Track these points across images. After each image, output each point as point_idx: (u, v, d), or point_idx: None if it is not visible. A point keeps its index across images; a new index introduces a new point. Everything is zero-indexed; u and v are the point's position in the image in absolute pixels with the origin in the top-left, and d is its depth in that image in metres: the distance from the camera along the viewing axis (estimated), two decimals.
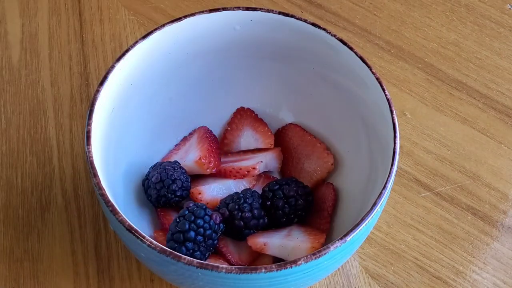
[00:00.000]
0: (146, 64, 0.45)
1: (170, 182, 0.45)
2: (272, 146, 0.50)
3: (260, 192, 0.46)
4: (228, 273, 0.35)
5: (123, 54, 0.43)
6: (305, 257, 0.36)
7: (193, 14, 0.45)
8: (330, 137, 0.50)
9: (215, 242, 0.43)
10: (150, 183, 0.46)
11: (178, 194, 0.45)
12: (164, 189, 0.45)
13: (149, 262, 0.39)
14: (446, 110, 0.57)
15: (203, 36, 0.46)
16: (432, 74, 0.59)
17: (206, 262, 0.36)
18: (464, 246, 0.50)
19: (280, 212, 0.45)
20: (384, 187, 0.39)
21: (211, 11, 0.45)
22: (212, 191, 0.46)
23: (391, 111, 0.41)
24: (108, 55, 0.59)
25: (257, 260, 0.45)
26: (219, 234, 0.43)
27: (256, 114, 0.51)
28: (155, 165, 0.47)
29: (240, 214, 0.43)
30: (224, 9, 0.45)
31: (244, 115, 0.51)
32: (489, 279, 0.49)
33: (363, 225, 0.37)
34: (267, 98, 0.51)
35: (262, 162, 0.48)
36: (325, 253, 0.36)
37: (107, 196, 0.38)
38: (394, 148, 0.40)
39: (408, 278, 0.48)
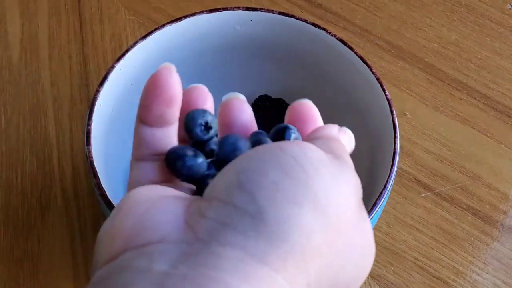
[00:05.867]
0: (146, 64, 0.45)
1: None
2: None
3: None
4: None
5: (123, 54, 0.43)
6: None
7: (193, 14, 0.45)
8: None
9: None
10: None
11: None
12: None
13: None
14: (446, 110, 0.57)
15: (203, 36, 0.46)
16: (433, 74, 0.59)
17: None
18: (464, 247, 0.50)
19: None
20: (384, 187, 0.39)
21: (211, 11, 0.45)
22: None
23: (391, 111, 0.41)
24: (108, 55, 0.59)
25: None
26: None
27: None
28: None
29: None
30: (224, 9, 0.45)
31: None
32: (489, 279, 0.49)
33: None
34: None
35: None
36: None
37: (107, 197, 0.38)
38: (394, 148, 0.40)
39: (408, 278, 0.48)
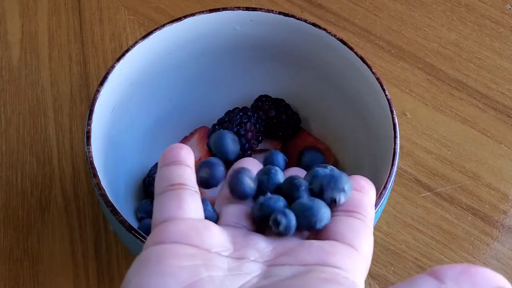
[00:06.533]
0: (146, 64, 0.45)
1: None
2: (279, 147, 0.50)
3: None
4: None
5: (123, 54, 0.43)
6: None
7: (193, 14, 0.45)
8: (331, 137, 0.50)
9: None
10: (151, 179, 0.46)
11: None
12: None
13: None
14: (446, 110, 0.57)
15: (203, 36, 0.46)
16: (432, 74, 0.59)
17: None
18: (464, 247, 0.50)
19: None
20: (384, 187, 0.39)
21: (211, 11, 0.45)
22: (214, 192, 0.46)
23: (391, 111, 0.41)
24: (108, 55, 0.59)
25: None
26: None
27: None
28: (158, 163, 0.47)
29: None
30: (224, 9, 0.45)
31: None
32: None
33: None
34: None
35: None
36: None
37: (107, 197, 0.38)
38: (394, 148, 0.40)
39: (408, 278, 0.48)
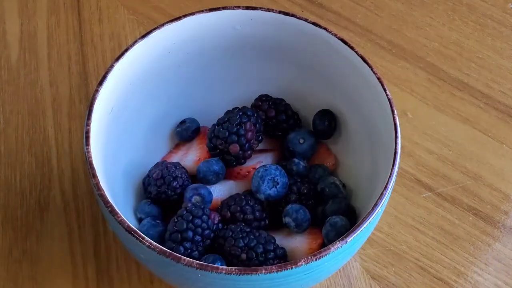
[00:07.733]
0: (146, 64, 0.45)
1: (171, 179, 0.45)
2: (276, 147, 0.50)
3: None
4: (228, 274, 0.35)
5: (122, 54, 0.43)
6: (305, 258, 0.35)
7: (192, 14, 0.45)
8: (331, 137, 0.49)
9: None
10: (151, 179, 0.45)
11: (178, 192, 0.45)
12: (164, 185, 0.45)
13: (149, 263, 0.39)
14: (447, 110, 0.57)
15: (203, 36, 0.46)
16: (434, 73, 0.59)
17: (205, 263, 0.35)
18: (466, 247, 0.50)
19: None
20: (385, 187, 0.38)
21: (211, 10, 0.45)
22: (213, 192, 0.46)
23: (392, 111, 0.41)
24: (107, 54, 0.59)
25: None
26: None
27: None
28: (157, 163, 0.47)
29: (242, 216, 0.43)
30: (224, 8, 0.45)
31: None
32: (490, 280, 0.48)
33: (364, 225, 0.37)
34: None
35: (262, 162, 0.48)
36: (325, 254, 0.36)
37: (106, 197, 0.38)
38: (395, 149, 0.40)
39: (409, 279, 0.48)
